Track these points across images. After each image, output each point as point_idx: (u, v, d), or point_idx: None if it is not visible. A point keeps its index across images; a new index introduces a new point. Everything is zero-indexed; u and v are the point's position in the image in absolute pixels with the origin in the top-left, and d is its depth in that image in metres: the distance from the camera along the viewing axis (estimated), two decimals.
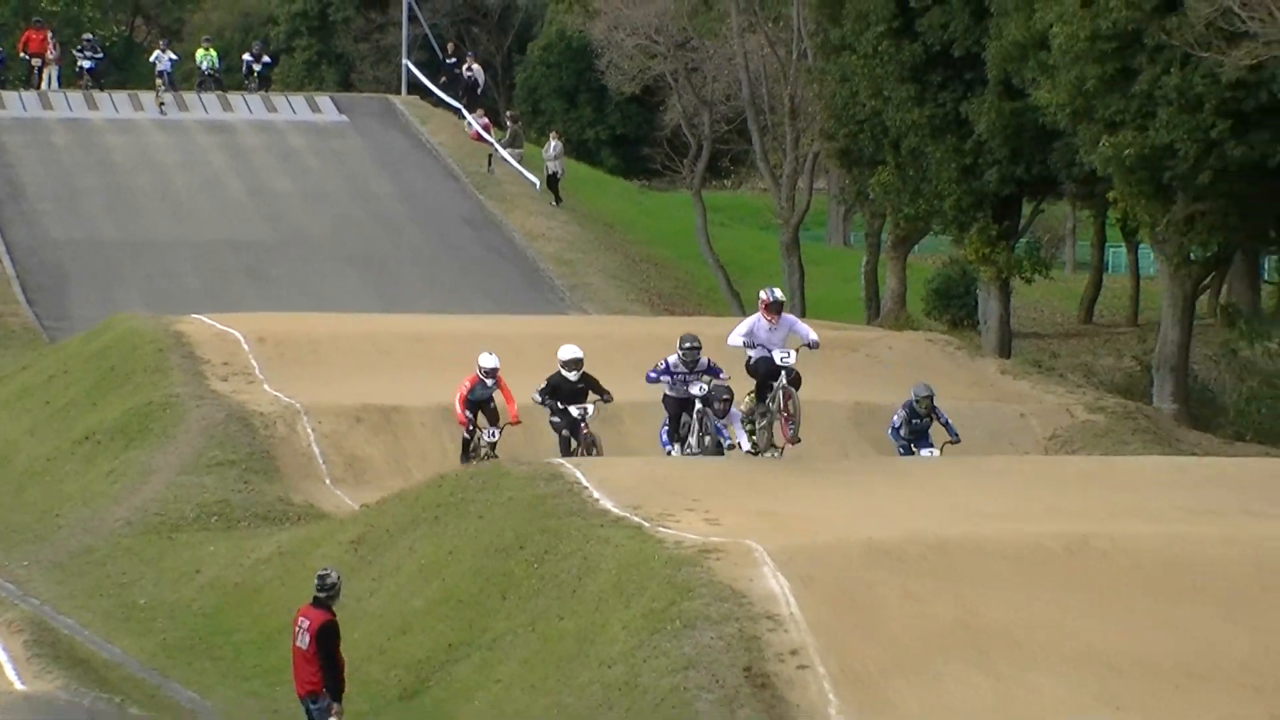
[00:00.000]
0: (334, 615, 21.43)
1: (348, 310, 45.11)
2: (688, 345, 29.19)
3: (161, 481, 33.72)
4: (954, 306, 53.97)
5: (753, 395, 28.85)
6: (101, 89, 63.35)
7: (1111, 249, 62.26)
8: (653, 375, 29.71)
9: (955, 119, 44.32)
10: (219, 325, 39.91)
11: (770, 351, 27.87)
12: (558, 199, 57.89)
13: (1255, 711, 22.75)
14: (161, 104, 62.13)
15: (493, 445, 32.43)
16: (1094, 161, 39.59)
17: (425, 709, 24.25)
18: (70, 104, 61.81)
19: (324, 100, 65.02)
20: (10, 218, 53.37)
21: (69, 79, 65.06)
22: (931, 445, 31.33)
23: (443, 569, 26.75)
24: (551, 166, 58.51)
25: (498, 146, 60.25)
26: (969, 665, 22.76)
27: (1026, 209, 47.88)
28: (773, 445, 28.64)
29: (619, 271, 54.15)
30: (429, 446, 34.99)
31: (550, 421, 30.82)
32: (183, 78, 66.17)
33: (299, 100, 64.76)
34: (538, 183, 58.41)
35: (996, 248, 45.65)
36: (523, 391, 32.07)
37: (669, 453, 30.05)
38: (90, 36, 67.51)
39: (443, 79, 65.62)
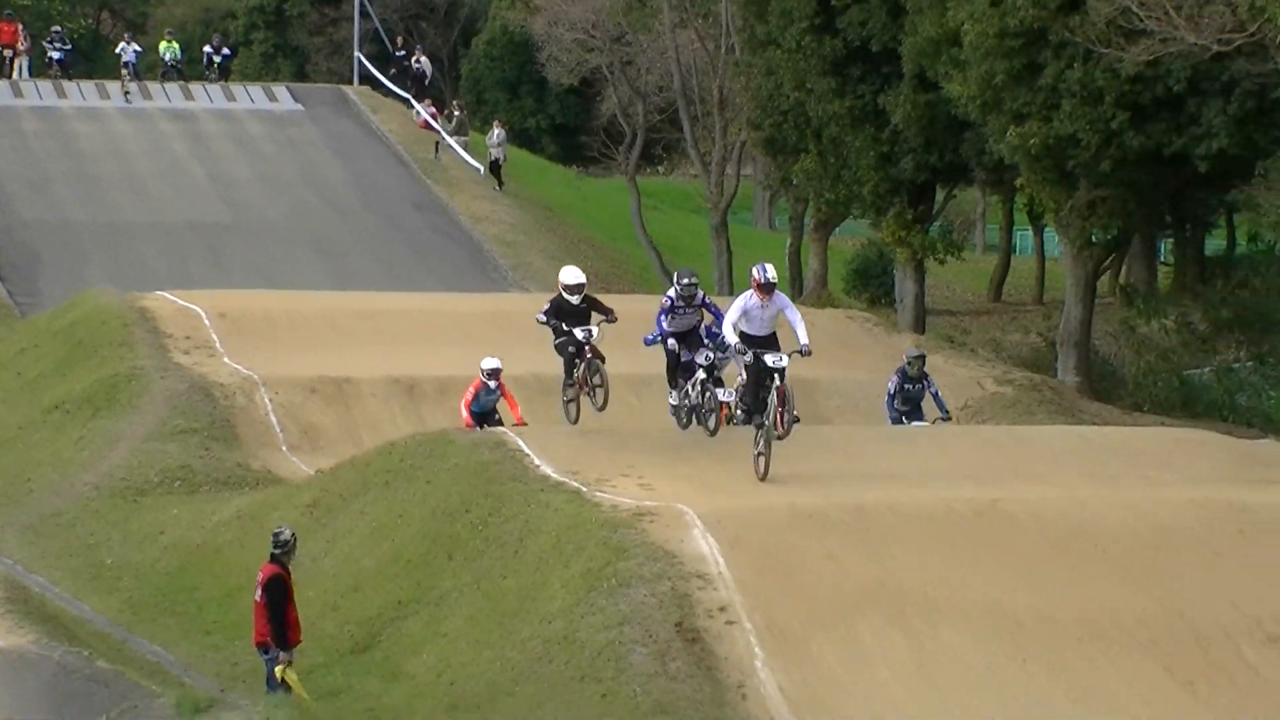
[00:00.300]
0: (284, 569, 21.45)
1: (302, 288, 45.00)
2: (686, 281, 27.25)
3: (127, 448, 33.63)
4: (872, 286, 54.12)
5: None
6: (70, 79, 62.94)
7: (1019, 232, 62.49)
8: (655, 334, 27.64)
9: (873, 110, 44.39)
10: (181, 302, 39.78)
11: (763, 353, 25.54)
12: (500, 184, 57.85)
13: (1150, 664, 22.90)
14: (127, 93, 61.80)
15: None
16: (1002, 150, 39.71)
17: (376, 662, 24.23)
18: (40, 93, 61.42)
19: (280, 90, 64.76)
20: None
21: (39, 69, 64.64)
22: (923, 420, 30.87)
23: (392, 531, 26.74)
24: (495, 153, 58.47)
25: (444, 134, 60.14)
26: (885, 621, 22.85)
27: (940, 195, 47.98)
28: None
29: (558, 252, 54.09)
30: (379, 416, 34.97)
31: (554, 344, 28.62)
32: (147, 68, 65.72)
33: (257, 90, 64.47)
34: (482, 169, 58.36)
35: (912, 231, 45.75)
36: (513, 391, 31.58)
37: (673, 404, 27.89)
38: (59, 29, 67.08)
39: (392, 70, 65.50)
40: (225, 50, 66.58)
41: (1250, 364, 41.45)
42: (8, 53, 62.99)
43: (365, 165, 58.23)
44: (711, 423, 26.86)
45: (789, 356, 25.53)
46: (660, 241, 55.35)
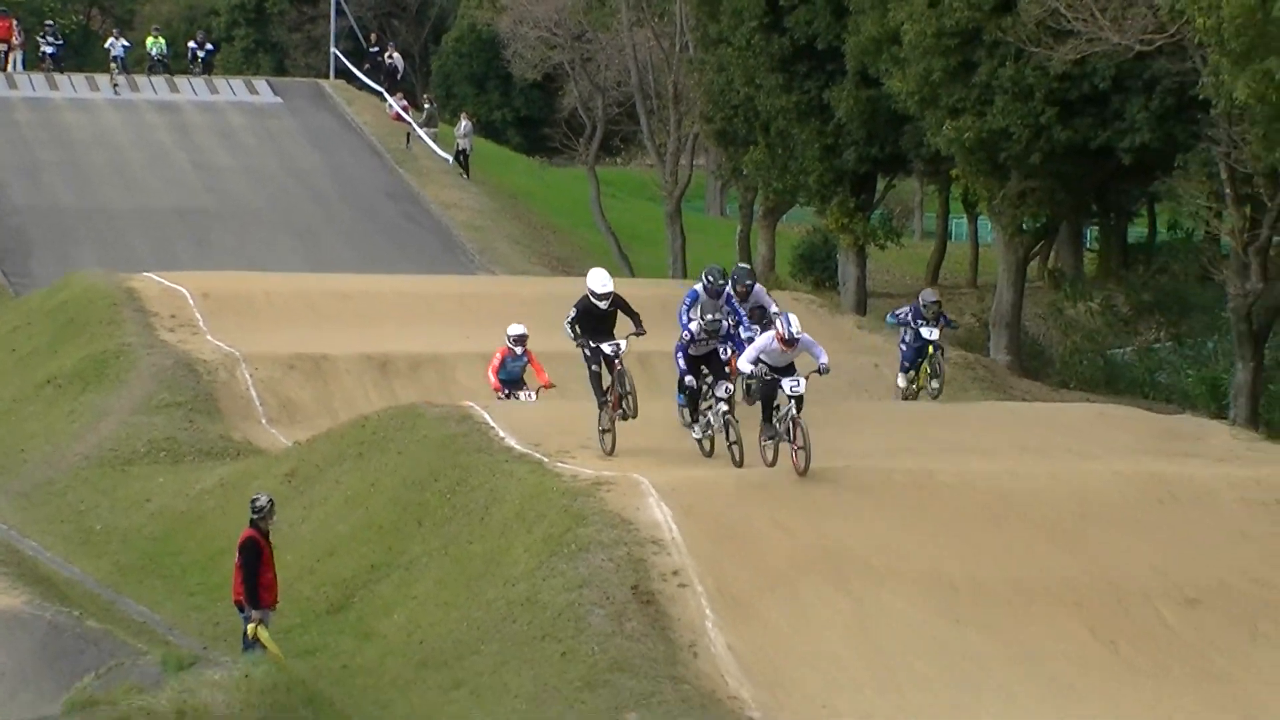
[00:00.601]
0: (259, 533, 21.39)
1: (281, 271, 44.87)
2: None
3: (115, 421, 33.52)
4: (817, 269, 54.13)
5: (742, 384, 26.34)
6: (61, 71, 62.65)
7: (954, 219, 62.51)
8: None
9: (818, 105, 44.36)
10: (166, 282, 39.64)
11: (779, 379, 24.33)
12: (467, 173, 57.77)
13: (1074, 624, 22.97)
14: (115, 86, 61.50)
15: None
16: (939, 143, 39.72)
17: (350, 622, 24.20)
18: (33, 85, 61.10)
19: (261, 84, 64.52)
20: None
21: (32, 62, 64.28)
22: (930, 325, 30.92)
23: (365, 499, 26.70)
24: (462, 144, 58.37)
25: (415, 126, 60.03)
26: (828, 585, 22.88)
27: (880, 184, 47.97)
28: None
29: (522, 237, 54.09)
30: (354, 391, 34.90)
31: (582, 354, 26.15)
32: (134, 62, 65.43)
33: (238, 83, 64.22)
34: (450, 159, 58.29)
35: (854, 218, 45.75)
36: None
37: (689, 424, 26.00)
38: (52, 24, 66.82)
39: (367, 66, 65.31)
40: (209, 46, 66.36)
41: (1169, 344, 41.58)
42: (2, 47, 62.60)
43: (340, 155, 58.08)
44: (737, 454, 25.00)
45: (805, 380, 24.29)
46: (618, 227, 55.29)
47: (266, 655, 20.72)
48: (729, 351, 25.80)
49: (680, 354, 25.43)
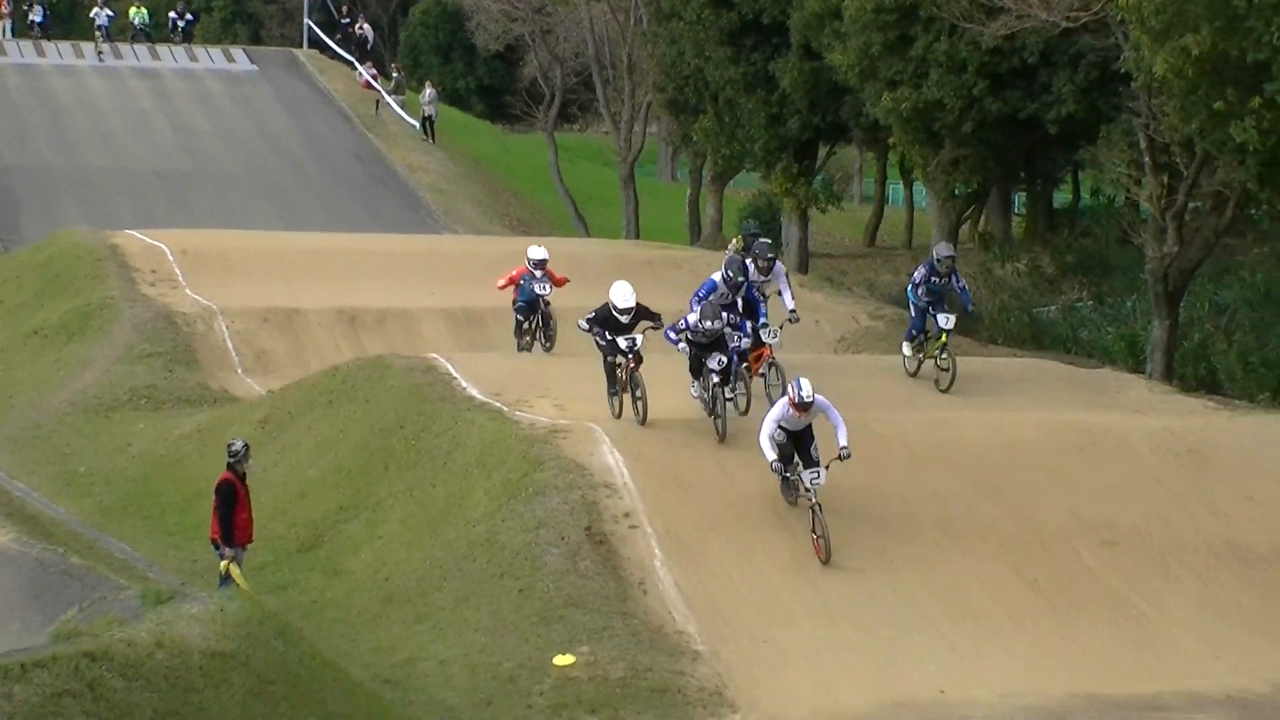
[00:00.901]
0: (235, 476, 21.33)
1: (256, 229, 44.71)
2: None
3: (99, 370, 33.39)
4: (762, 232, 54.07)
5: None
6: (49, 39, 62.33)
7: (891, 185, 62.56)
8: (677, 331, 24.49)
9: (764, 76, 44.31)
10: (148, 239, 39.47)
11: (800, 471, 22.45)
12: (433, 138, 57.61)
13: (999, 565, 23.09)
14: (100, 53, 61.17)
15: (543, 299, 29.68)
16: (877, 113, 39.70)
17: (319, 560, 24.20)
18: (21, 52, 60.80)
19: (238, 53, 64.23)
20: None
21: (21, 30, 63.87)
22: (948, 312, 28.07)
23: (335, 445, 26.67)
24: (427, 110, 58.21)
25: (384, 94, 59.84)
26: (768, 526, 22.94)
27: (822, 151, 47.93)
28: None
29: (484, 199, 53.97)
30: (324, 343, 34.81)
31: (597, 344, 25.00)
32: (118, 31, 65.03)
33: (216, 52, 63.95)
34: (416, 125, 58.11)
35: (797, 183, 45.75)
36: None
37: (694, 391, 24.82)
38: None
39: (338, 36, 65.09)
40: (189, 16, 65.95)
41: (1090, 303, 41.64)
42: None
43: (313, 121, 57.87)
44: (720, 427, 24.16)
45: (826, 470, 22.39)
46: (575, 191, 55.20)
47: (239, 591, 20.73)
48: (739, 339, 25.09)
49: (671, 332, 24.37)
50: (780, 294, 27.35)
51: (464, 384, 26.71)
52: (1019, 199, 56.30)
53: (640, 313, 24.61)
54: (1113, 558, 23.43)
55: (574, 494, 23.05)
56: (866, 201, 64.70)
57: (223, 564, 21.23)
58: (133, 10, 64.39)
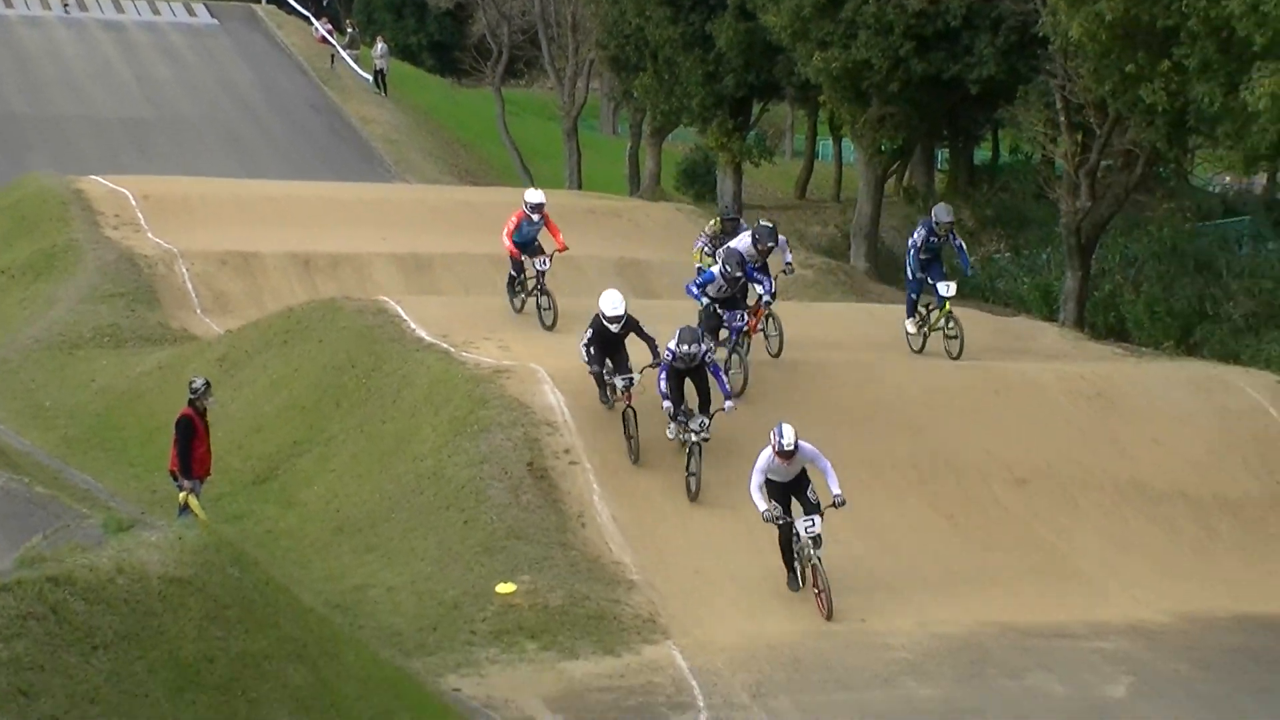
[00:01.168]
0: (195, 412, 21.24)
1: (215, 176, 44.43)
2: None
3: (64, 309, 33.17)
4: (698, 184, 54.00)
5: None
6: None
7: (821, 141, 62.51)
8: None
9: (702, 35, 44.22)
10: (111, 185, 39.20)
11: (792, 518, 20.58)
12: (385, 91, 57.33)
13: (917, 499, 23.23)
14: (66, 5, 60.59)
15: (542, 274, 27.41)
16: (808, 72, 39.69)
17: (274, 491, 24.15)
18: None
19: (199, 7, 63.70)
20: None
21: None
22: (946, 278, 26.83)
23: (289, 382, 26.58)
24: (379, 64, 57.95)
25: (339, 48, 59.51)
26: (702, 461, 22.96)
27: (755, 108, 47.92)
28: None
29: (434, 150, 53.77)
30: (280, 285, 34.66)
31: (591, 371, 23.43)
32: None
33: (179, 6, 63.39)
34: (370, 79, 57.82)
35: (732, 138, 45.72)
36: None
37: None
38: None
39: None
40: None
41: (1008, 254, 41.82)
42: None
43: (271, 73, 57.52)
44: (693, 486, 22.42)
45: (822, 519, 20.43)
46: (520, 143, 54.99)
47: (197, 520, 20.65)
48: (741, 316, 24.08)
49: (664, 373, 22.58)
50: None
51: (413, 325, 26.64)
52: (942, 155, 56.35)
53: (631, 325, 23.08)
54: (1024, 494, 23.59)
55: (517, 431, 23.05)
56: (797, 156, 64.67)
57: (181, 495, 21.15)
58: None
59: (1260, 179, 39.04)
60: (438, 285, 34.26)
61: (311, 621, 15.74)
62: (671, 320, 24.07)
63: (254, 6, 65.05)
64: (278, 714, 13.98)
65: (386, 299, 28.59)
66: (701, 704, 18.41)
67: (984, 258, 41.94)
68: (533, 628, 19.80)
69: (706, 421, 22.20)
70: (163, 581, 13.82)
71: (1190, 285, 34.59)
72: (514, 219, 27.37)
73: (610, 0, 46.77)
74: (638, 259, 35.93)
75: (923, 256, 27.17)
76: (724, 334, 24.52)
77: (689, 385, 22.68)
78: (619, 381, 23.01)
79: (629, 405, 22.91)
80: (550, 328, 27.24)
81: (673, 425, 22.59)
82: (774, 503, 20.38)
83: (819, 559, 20.37)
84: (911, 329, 27.54)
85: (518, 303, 28.16)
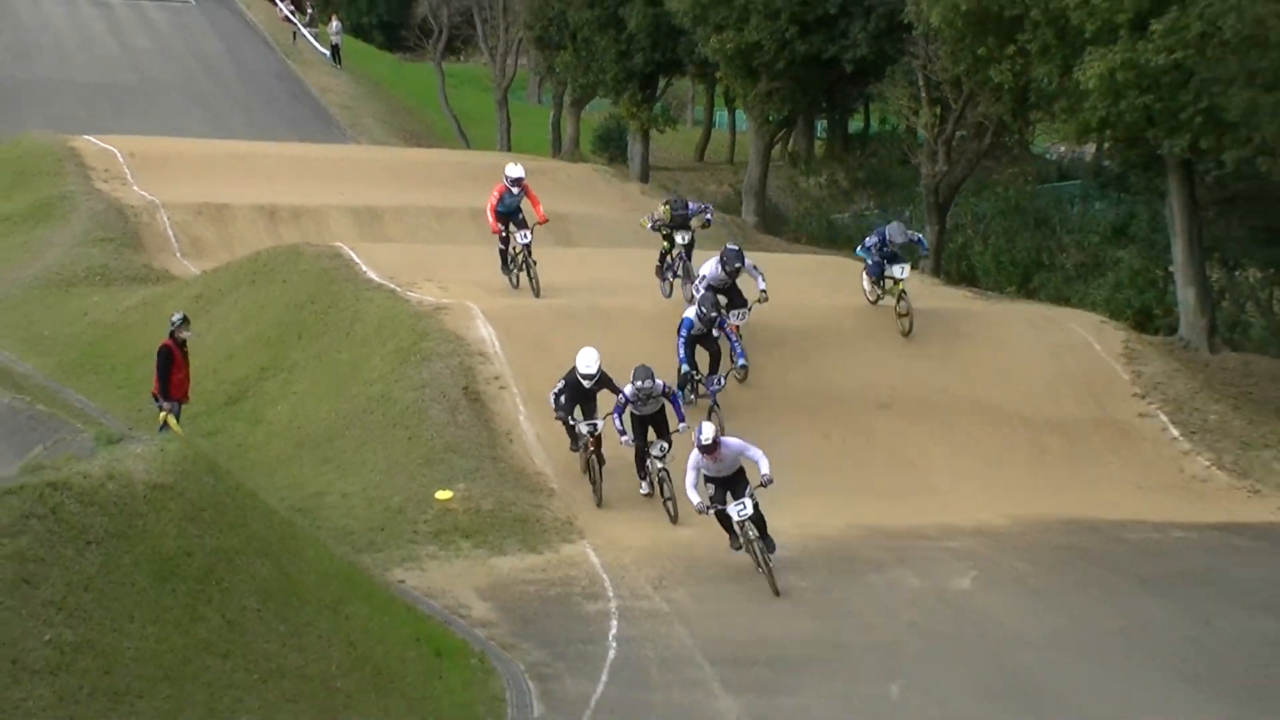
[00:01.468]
0: (175, 342, 21.14)
1: (191, 136, 44.01)
2: (640, 383, 20.54)
3: (60, 251, 32.88)
4: (611, 147, 53.91)
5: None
6: None
7: (718, 111, 62.52)
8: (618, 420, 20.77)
9: (615, 19, 44.10)
10: (101, 143, 38.82)
11: (726, 505, 18.84)
12: (339, 64, 56.88)
13: (801, 421, 23.38)
14: None
15: (528, 247, 25.53)
16: (707, 52, 39.67)
17: (244, 411, 24.08)
18: None
19: None
20: None
21: None
22: (904, 262, 25.39)
23: (257, 317, 26.47)
24: (334, 40, 57.59)
25: (299, 26, 58.95)
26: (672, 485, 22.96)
27: (661, 82, 47.86)
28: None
29: (384, 116, 53.43)
30: (248, 233, 34.47)
31: (557, 415, 21.24)
32: None
33: None
34: (327, 53, 57.34)
35: (641, 108, 45.66)
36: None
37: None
38: None
39: None
40: None
41: (876, 211, 42.06)
42: None
43: (240, 46, 56.94)
44: (672, 510, 20.72)
45: (752, 499, 18.71)
46: (458, 111, 54.72)
47: (176, 435, 20.59)
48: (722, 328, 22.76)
49: (618, 414, 20.83)
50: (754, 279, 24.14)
51: (364, 269, 26.57)
52: (821, 125, 56.52)
53: (603, 379, 21.06)
54: (889, 417, 23.83)
55: (454, 360, 23.07)
56: (697, 124, 64.59)
57: (161, 415, 21.07)
58: None
59: (1089, 148, 39.44)
60: (387, 234, 34.15)
61: (276, 522, 15.78)
62: (590, 267, 24.06)
63: None
64: (247, 601, 14.05)
65: (342, 245, 28.49)
66: (611, 594, 18.58)
67: (856, 214, 42.21)
68: (467, 529, 19.89)
69: (667, 446, 20.73)
70: (147, 487, 13.83)
71: (1030, 239, 34.96)
72: (495, 192, 25.35)
73: None
74: (560, 212, 35.88)
75: (879, 257, 25.29)
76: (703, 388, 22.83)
77: (650, 427, 20.98)
78: (584, 427, 20.89)
79: (595, 451, 20.95)
80: (538, 295, 25.55)
81: (644, 484, 21.04)
82: (705, 496, 18.72)
83: (760, 540, 18.65)
84: (867, 286, 25.94)
85: (513, 278, 25.86)
